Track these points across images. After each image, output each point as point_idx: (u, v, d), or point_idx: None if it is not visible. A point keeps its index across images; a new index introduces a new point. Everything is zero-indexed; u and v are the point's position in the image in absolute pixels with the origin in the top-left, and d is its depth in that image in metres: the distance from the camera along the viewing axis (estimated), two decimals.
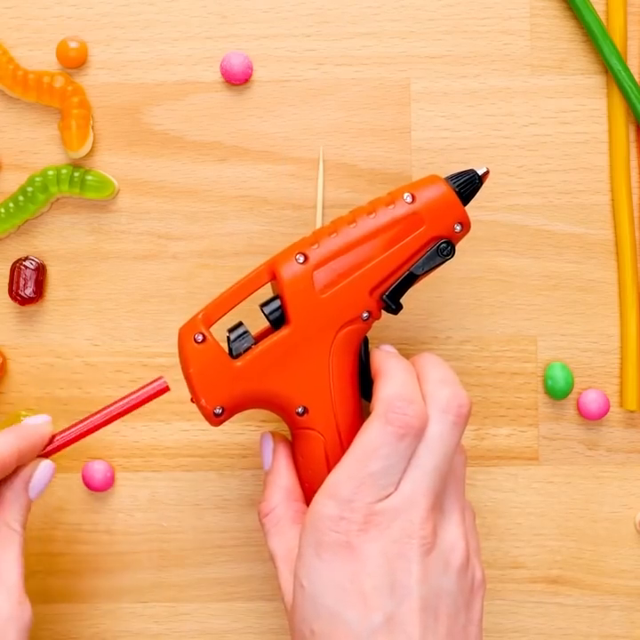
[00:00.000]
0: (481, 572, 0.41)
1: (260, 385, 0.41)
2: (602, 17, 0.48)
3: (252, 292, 0.42)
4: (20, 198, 0.48)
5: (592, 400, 0.48)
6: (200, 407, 0.41)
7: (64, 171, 0.48)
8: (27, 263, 0.48)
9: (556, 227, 0.49)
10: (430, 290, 0.49)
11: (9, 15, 0.49)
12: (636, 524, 0.49)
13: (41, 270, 0.48)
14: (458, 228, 0.42)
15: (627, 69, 0.48)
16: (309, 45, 0.49)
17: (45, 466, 0.43)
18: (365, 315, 0.42)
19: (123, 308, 0.49)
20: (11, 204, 0.48)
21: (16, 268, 0.48)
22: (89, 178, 0.48)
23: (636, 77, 0.49)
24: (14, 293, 0.48)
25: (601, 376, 0.49)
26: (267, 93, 0.49)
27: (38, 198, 0.48)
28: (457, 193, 0.42)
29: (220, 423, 0.42)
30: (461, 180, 0.42)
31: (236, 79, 0.49)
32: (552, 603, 0.49)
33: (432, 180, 0.42)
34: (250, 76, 0.49)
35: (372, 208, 0.42)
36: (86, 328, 0.49)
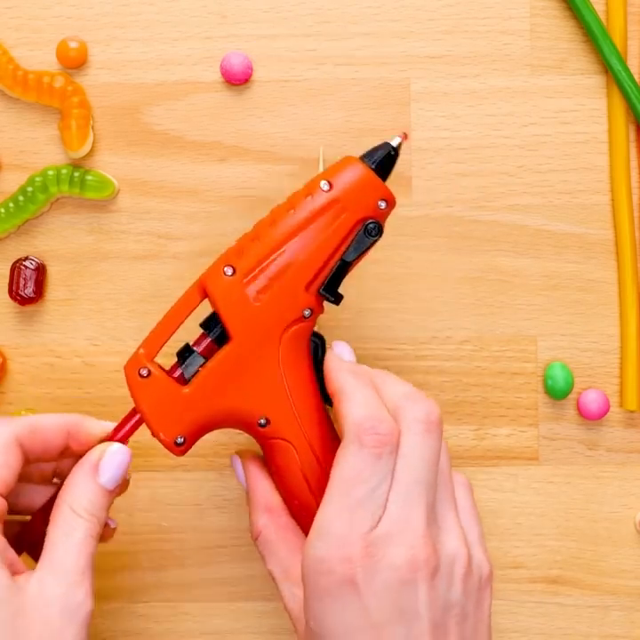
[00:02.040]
0: (487, 565, 0.41)
1: (215, 405, 0.40)
2: (602, 17, 0.48)
3: (188, 315, 0.41)
4: (20, 198, 0.48)
5: (592, 400, 0.48)
6: (160, 441, 0.40)
7: (64, 171, 0.48)
8: (27, 263, 0.48)
9: (556, 227, 0.49)
10: (430, 289, 0.49)
11: (9, 15, 0.49)
12: (636, 524, 0.49)
13: (41, 270, 0.48)
14: (382, 205, 0.41)
15: (627, 69, 0.48)
16: (309, 45, 0.49)
17: (116, 450, 0.40)
18: (307, 312, 0.40)
19: (123, 308, 0.49)
20: (11, 204, 0.48)
21: (16, 268, 0.48)
22: (89, 178, 0.48)
23: (636, 77, 0.49)
24: (14, 293, 0.48)
25: (601, 376, 0.49)
26: (267, 93, 0.49)
27: (38, 198, 0.48)
28: (374, 170, 0.41)
29: (185, 452, 0.41)
30: (376, 156, 0.41)
31: (236, 79, 0.49)
32: (552, 603, 0.49)
33: (347, 161, 0.41)
34: (250, 76, 0.49)
35: (290, 204, 0.41)
36: (86, 328, 0.49)
